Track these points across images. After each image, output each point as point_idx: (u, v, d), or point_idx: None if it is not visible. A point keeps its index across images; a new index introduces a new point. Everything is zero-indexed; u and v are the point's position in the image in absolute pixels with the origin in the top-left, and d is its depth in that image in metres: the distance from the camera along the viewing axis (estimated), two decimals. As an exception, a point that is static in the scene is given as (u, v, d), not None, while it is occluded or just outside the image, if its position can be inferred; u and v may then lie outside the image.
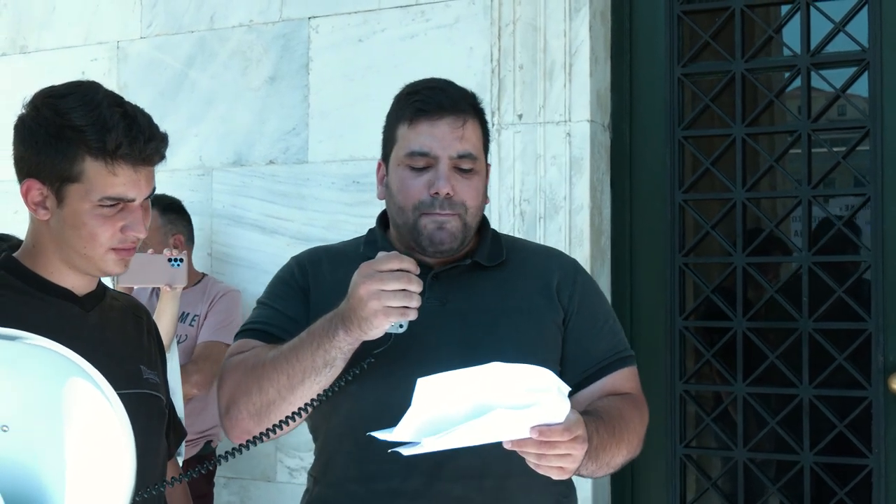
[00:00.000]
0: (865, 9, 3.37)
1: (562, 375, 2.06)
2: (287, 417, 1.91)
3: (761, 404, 3.48)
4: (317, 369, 1.90)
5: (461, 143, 2.06)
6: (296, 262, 2.22)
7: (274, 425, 1.90)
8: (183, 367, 3.73)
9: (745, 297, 3.49)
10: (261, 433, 1.90)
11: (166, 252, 3.50)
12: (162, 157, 1.92)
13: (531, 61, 3.58)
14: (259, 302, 2.20)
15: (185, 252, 3.57)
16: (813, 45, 3.44)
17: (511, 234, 3.49)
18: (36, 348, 1.23)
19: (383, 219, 2.21)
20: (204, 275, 4.04)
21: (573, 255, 3.45)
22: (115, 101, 1.88)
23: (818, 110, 3.45)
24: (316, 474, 2.16)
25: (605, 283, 3.58)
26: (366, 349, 1.91)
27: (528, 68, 3.59)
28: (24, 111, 1.90)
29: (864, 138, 3.39)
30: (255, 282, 4.03)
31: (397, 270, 1.84)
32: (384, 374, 1.90)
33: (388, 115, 2.18)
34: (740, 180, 3.49)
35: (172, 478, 1.80)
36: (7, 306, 1.88)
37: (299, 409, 1.92)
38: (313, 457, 2.20)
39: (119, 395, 1.28)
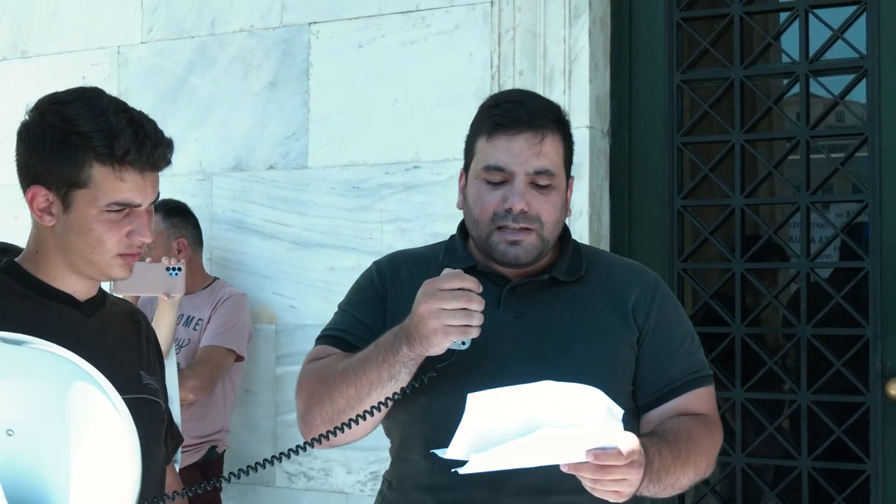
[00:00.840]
0: (864, 16, 3.38)
1: (634, 394, 2.09)
2: (350, 420, 1.94)
3: (759, 410, 3.48)
4: (382, 382, 1.93)
5: (538, 159, 2.04)
6: (376, 267, 2.23)
7: (336, 428, 1.93)
8: (181, 371, 3.73)
9: (743, 303, 3.50)
10: (328, 431, 1.93)
11: (164, 261, 3.50)
12: (168, 162, 1.93)
13: (531, 67, 3.59)
14: (339, 307, 2.23)
15: (183, 261, 3.56)
16: (811, 52, 3.45)
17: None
18: (43, 353, 1.23)
19: (464, 228, 2.20)
20: (215, 279, 4.04)
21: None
22: (121, 107, 1.89)
23: (816, 117, 3.46)
24: (390, 479, 2.19)
25: (603, 289, 3.59)
26: (431, 363, 1.93)
27: (527, 74, 3.60)
28: (28, 117, 1.90)
29: (863, 145, 3.39)
30: (254, 286, 4.04)
31: (458, 289, 1.84)
32: (454, 387, 1.89)
33: (470, 125, 2.16)
34: (739, 186, 3.50)
35: (184, 489, 1.80)
36: (9, 311, 1.88)
37: (364, 412, 1.94)
38: (388, 458, 2.23)
39: (119, 399, 1.28)
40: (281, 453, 1.86)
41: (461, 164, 2.20)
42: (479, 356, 1.91)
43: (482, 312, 1.86)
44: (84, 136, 1.83)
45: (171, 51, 4.30)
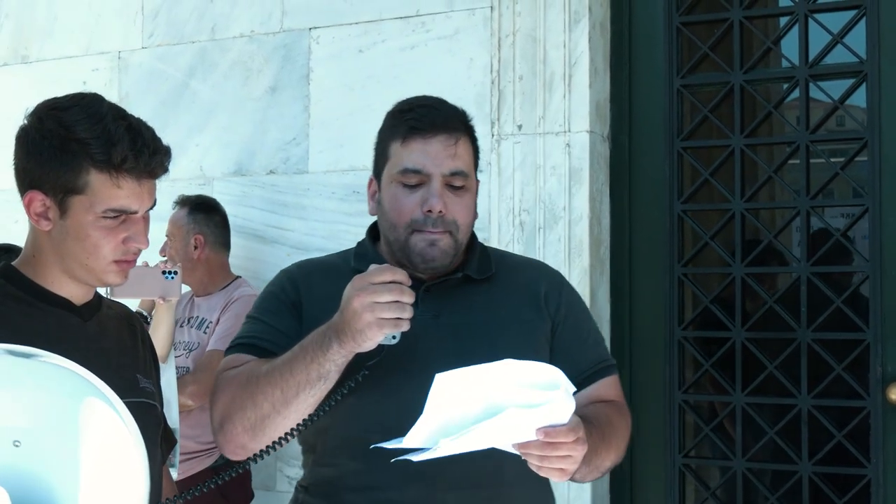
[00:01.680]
0: (863, 21, 3.38)
1: None
2: (287, 434, 1.92)
3: (760, 414, 3.48)
4: (311, 382, 1.91)
5: (453, 160, 2.08)
6: (286, 275, 2.23)
7: (274, 442, 1.91)
8: (181, 377, 3.72)
9: (743, 308, 3.50)
10: (261, 450, 1.90)
11: (161, 264, 3.50)
12: (165, 170, 1.93)
13: (531, 72, 3.60)
14: (249, 316, 2.20)
15: (179, 265, 3.56)
16: (811, 56, 3.45)
17: (511, 244, 3.51)
18: (52, 366, 1.23)
19: (373, 232, 2.24)
20: (237, 278, 4.01)
21: (572, 266, 3.48)
22: (120, 113, 1.89)
23: (816, 121, 3.47)
24: (307, 484, 2.18)
25: (604, 293, 3.60)
26: (359, 361, 1.92)
27: (527, 79, 3.60)
28: (26, 122, 1.90)
29: (863, 149, 3.40)
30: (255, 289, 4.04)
31: (390, 282, 1.86)
32: (381, 386, 1.92)
33: (379, 131, 2.19)
34: (739, 191, 3.50)
35: (176, 496, 1.80)
36: (8, 316, 1.89)
37: (298, 425, 1.93)
38: (302, 469, 2.21)
39: (117, 404, 1.28)
40: (226, 473, 1.84)
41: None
42: (403, 356, 1.93)
43: (412, 305, 1.88)
44: (82, 142, 1.84)
45: (171, 56, 4.31)
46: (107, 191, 1.86)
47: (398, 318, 1.85)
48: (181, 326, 3.89)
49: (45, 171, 1.86)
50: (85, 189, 1.86)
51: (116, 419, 1.23)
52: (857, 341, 3.36)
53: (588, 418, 2.00)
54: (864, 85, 3.39)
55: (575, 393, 2.10)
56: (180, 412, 3.63)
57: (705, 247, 3.58)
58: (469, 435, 1.70)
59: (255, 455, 1.90)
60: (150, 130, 1.91)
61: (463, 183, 2.10)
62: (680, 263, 3.58)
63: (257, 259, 4.10)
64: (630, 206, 3.66)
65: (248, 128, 4.14)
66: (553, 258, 3.45)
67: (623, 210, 3.66)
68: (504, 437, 1.78)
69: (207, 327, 3.86)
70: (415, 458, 1.75)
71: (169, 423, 2.30)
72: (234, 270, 4.04)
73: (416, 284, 2.06)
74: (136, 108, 1.99)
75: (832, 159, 3.49)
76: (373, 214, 2.20)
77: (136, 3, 4.39)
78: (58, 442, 1.20)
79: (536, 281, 2.23)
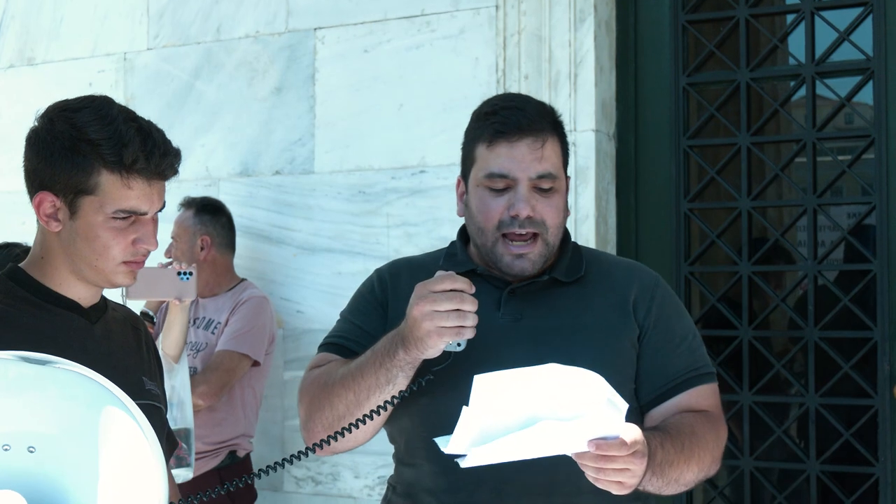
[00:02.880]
0: (870, 18, 3.38)
1: (637, 393, 2.09)
2: (350, 425, 1.94)
3: (767, 413, 3.48)
4: (380, 386, 1.94)
5: (540, 163, 2.05)
6: (377, 275, 2.24)
7: (336, 433, 1.94)
8: (192, 377, 3.73)
9: (750, 306, 3.49)
10: (329, 436, 1.94)
11: (175, 265, 3.51)
12: (175, 171, 1.95)
13: (536, 71, 3.60)
14: (341, 315, 2.24)
15: (193, 265, 3.56)
16: (818, 54, 3.44)
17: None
18: (66, 373, 1.23)
19: (464, 233, 2.21)
20: (242, 280, 4.01)
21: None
22: (130, 115, 1.91)
23: (823, 119, 3.46)
24: (394, 483, 2.20)
25: (610, 293, 3.59)
26: (427, 365, 1.94)
27: (533, 78, 3.60)
28: (37, 124, 1.91)
29: (870, 147, 3.39)
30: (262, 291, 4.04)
31: (450, 290, 1.85)
32: (454, 388, 1.89)
33: (466, 132, 2.16)
34: (746, 189, 3.50)
35: (209, 491, 1.80)
36: (16, 318, 1.89)
37: (363, 416, 1.95)
38: (392, 466, 2.23)
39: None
40: (284, 459, 1.87)
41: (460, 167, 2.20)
42: (479, 359, 1.91)
43: (476, 313, 1.86)
44: (93, 143, 1.84)
45: (177, 57, 4.31)
46: (117, 192, 1.87)
47: (459, 327, 1.85)
48: None
49: (56, 172, 1.87)
50: (95, 190, 1.86)
51: (133, 425, 1.24)
52: (865, 339, 3.36)
53: (667, 429, 1.98)
54: (870, 82, 3.38)
55: (662, 401, 2.08)
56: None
57: (712, 245, 3.58)
58: (502, 445, 1.69)
59: (326, 438, 1.95)
60: (161, 133, 1.92)
61: (551, 185, 2.07)
62: (686, 262, 3.57)
63: (263, 259, 4.10)
64: (636, 204, 3.65)
65: (254, 128, 4.14)
66: (559, 257, 3.44)
67: (629, 209, 3.65)
68: (545, 448, 1.76)
69: (215, 328, 3.86)
70: (462, 462, 1.75)
71: (184, 423, 2.31)
72: (240, 271, 4.04)
73: (501, 286, 2.08)
74: (142, 109, 1.99)
75: (839, 157, 3.48)
76: (460, 216, 2.19)
77: (142, 4, 4.39)
78: (74, 448, 1.20)
79: (628, 284, 2.15)
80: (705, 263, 3.65)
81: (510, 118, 2.07)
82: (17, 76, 4.64)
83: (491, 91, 3.62)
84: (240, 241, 4.06)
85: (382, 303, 2.17)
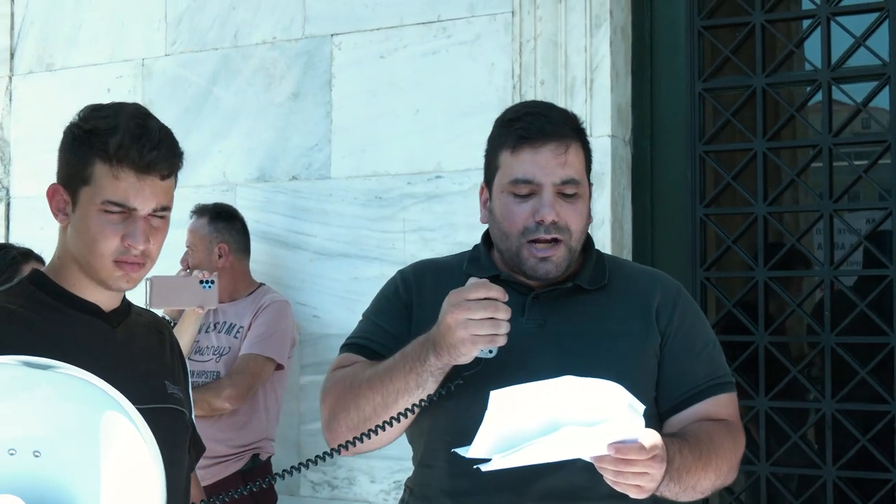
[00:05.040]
0: (886, 23, 3.37)
1: (657, 400, 2.10)
2: (377, 427, 1.96)
3: (784, 419, 3.47)
4: (409, 390, 1.95)
5: (564, 169, 2.07)
6: (401, 276, 2.25)
7: (363, 434, 1.95)
8: (217, 381, 3.75)
9: (766, 312, 3.49)
10: (355, 438, 1.95)
11: (197, 274, 3.53)
12: (169, 170, 1.92)
13: (552, 77, 3.60)
14: (364, 315, 2.25)
15: (215, 273, 3.58)
16: (834, 59, 3.44)
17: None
18: (68, 378, 1.24)
19: (488, 238, 2.22)
20: (261, 285, 4.03)
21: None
22: (140, 114, 1.92)
23: (839, 124, 3.45)
24: (412, 486, 2.20)
25: (626, 298, 3.59)
26: (457, 370, 1.95)
27: (549, 84, 3.60)
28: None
29: (886, 152, 3.38)
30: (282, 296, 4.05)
31: (485, 299, 1.86)
32: (479, 394, 1.88)
33: (489, 139, 2.18)
34: (762, 194, 3.49)
35: (231, 492, 1.82)
36: (38, 323, 1.90)
37: (390, 418, 1.96)
38: (412, 468, 2.23)
39: (145, 409, 1.29)
40: (308, 460, 1.87)
41: (483, 174, 2.20)
42: (503, 364, 1.92)
43: (508, 321, 1.87)
44: (90, 132, 1.88)
45: (194, 63, 4.33)
46: (106, 181, 1.87)
47: (493, 335, 1.86)
48: (207, 332, 3.91)
49: (63, 163, 1.92)
50: (90, 180, 1.88)
51: (134, 431, 1.24)
52: (882, 345, 3.35)
53: (685, 436, 2.00)
54: (887, 87, 3.37)
55: (682, 409, 2.10)
56: (215, 416, 3.67)
57: (728, 251, 3.57)
58: (524, 451, 1.70)
59: (350, 441, 1.95)
60: (164, 131, 1.92)
61: (575, 190, 2.08)
62: (702, 267, 3.57)
63: (280, 265, 4.11)
64: (652, 210, 3.65)
65: (271, 134, 4.16)
66: (575, 263, 3.44)
67: (645, 214, 3.65)
68: (566, 451, 1.77)
69: (238, 332, 3.88)
70: (483, 467, 1.76)
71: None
72: (257, 276, 4.06)
73: (525, 292, 2.09)
74: (160, 115, 2.00)
75: (855, 162, 3.47)
76: (484, 223, 2.20)
77: (160, 10, 4.41)
78: (77, 452, 1.21)
79: (650, 292, 2.17)
80: (721, 269, 3.64)
81: (534, 124, 2.08)
82: (36, 82, 4.67)
83: (507, 97, 3.63)
84: (256, 246, 4.08)
85: (407, 304, 2.18)
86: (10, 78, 4.74)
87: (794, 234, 3.54)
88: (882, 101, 3.44)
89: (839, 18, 3.44)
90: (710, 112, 3.64)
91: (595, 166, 3.50)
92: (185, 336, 3.57)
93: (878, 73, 3.39)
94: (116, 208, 1.88)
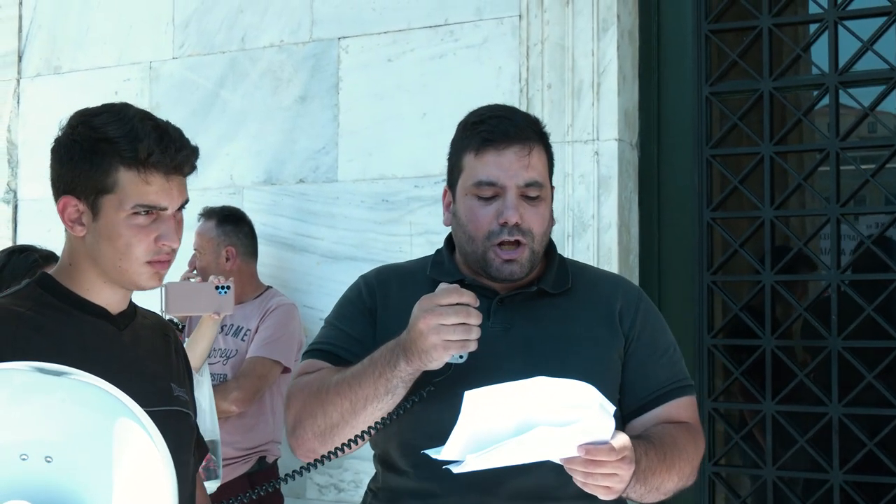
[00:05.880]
0: (893, 27, 3.37)
1: (620, 402, 2.11)
2: (349, 441, 1.96)
3: (790, 422, 3.47)
4: (378, 396, 1.94)
5: (528, 171, 2.08)
6: (364, 281, 2.25)
7: (337, 448, 1.95)
8: (224, 383, 3.76)
9: (773, 316, 3.49)
10: (323, 455, 1.95)
11: (213, 279, 3.53)
12: (192, 167, 1.96)
13: (559, 80, 3.60)
14: (326, 321, 2.24)
15: (231, 279, 3.59)
16: (841, 63, 3.43)
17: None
18: (81, 384, 1.24)
19: (450, 242, 2.23)
20: (268, 287, 4.04)
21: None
22: (146, 115, 1.94)
23: (846, 128, 3.45)
24: (376, 489, 2.20)
25: (633, 301, 3.59)
26: (427, 376, 1.95)
27: (556, 87, 3.60)
28: (59, 133, 1.95)
29: (893, 156, 3.38)
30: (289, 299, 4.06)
31: (457, 304, 1.87)
32: (448, 397, 1.90)
33: (452, 142, 2.19)
34: (768, 198, 3.49)
35: (240, 496, 1.82)
36: (45, 325, 1.91)
37: (361, 432, 1.96)
38: (374, 471, 2.23)
39: (151, 412, 1.29)
40: (308, 464, 1.88)
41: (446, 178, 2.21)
42: (471, 368, 1.93)
43: (479, 326, 1.88)
44: (110, 141, 1.88)
45: (202, 66, 4.34)
46: (135, 187, 1.89)
47: (465, 340, 1.87)
48: None
49: (77, 175, 1.90)
50: (114, 188, 1.89)
51: (146, 437, 1.24)
52: (889, 349, 3.34)
53: (649, 438, 2.01)
54: (894, 91, 3.37)
55: (645, 412, 2.12)
56: (221, 418, 3.67)
57: (734, 254, 3.57)
58: (497, 451, 1.71)
59: (321, 457, 1.94)
60: (178, 130, 1.95)
61: (538, 193, 2.10)
62: (709, 271, 3.57)
63: (286, 268, 4.12)
64: (659, 214, 3.65)
65: (278, 137, 4.17)
66: (582, 266, 3.44)
67: (652, 218, 3.65)
68: (538, 453, 1.78)
69: (245, 335, 3.89)
70: (454, 469, 1.77)
71: (212, 434, 2.31)
72: (264, 279, 4.06)
73: (490, 296, 2.10)
74: (167, 118, 2.01)
75: (863, 166, 3.47)
76: (447, 225, 2.21)
77: (167, 13, 4.42)
78: (89, 459, 1.21)
79: (613, 296, 2.19)
80: (728, 272, 3.64)
81: (498, 127, 2.10)
82: (44, 85, 4.68)
83: (514, 100, 3.63)
84: (263, 248, 4.08)
85: (371, 309, 2.17)
86: (18, 81, 4.76)
87: (801, 238, 3.54)
88: (889, 105, 3.44)
89: (846, 22, 3.44)
90: (717, 116, 3.64)
91: (602, 170, 3.54)
92: (202, 342, 3.57)
93: (886, 78, 3.39)
94: (147, 210, 1.90)
